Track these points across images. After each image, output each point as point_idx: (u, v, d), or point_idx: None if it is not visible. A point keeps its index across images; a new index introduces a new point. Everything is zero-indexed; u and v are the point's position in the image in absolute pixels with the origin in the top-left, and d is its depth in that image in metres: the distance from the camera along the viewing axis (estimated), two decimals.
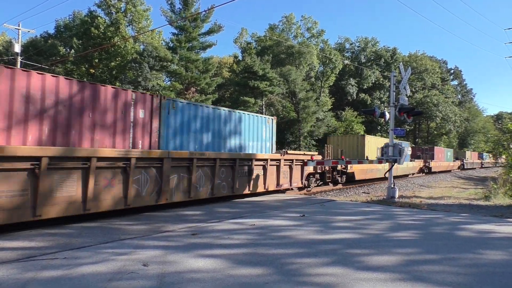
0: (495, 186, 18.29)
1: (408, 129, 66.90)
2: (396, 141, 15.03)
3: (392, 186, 14.55)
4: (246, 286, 4.56)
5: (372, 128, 62.59)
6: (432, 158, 43.25)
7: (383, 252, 6.23)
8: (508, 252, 6.42)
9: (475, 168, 62.70)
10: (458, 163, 55.08)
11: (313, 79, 59.06)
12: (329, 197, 17.19)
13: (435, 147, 47.90)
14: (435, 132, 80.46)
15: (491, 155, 57.97)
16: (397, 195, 14.64)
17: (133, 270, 5.03)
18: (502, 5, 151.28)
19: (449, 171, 50.38)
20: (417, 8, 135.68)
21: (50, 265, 5.21)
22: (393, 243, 7.00)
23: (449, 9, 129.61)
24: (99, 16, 35.49)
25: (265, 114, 43.27)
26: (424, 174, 41.24)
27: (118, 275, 4.83)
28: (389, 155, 14.53)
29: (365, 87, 65.40)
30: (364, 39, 70.24)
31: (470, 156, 64.28)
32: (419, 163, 38.76)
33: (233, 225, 8.46)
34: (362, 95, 64.75)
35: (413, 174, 37.54)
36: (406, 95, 14.96)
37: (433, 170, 42.43)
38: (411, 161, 35.92)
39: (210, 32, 38.80)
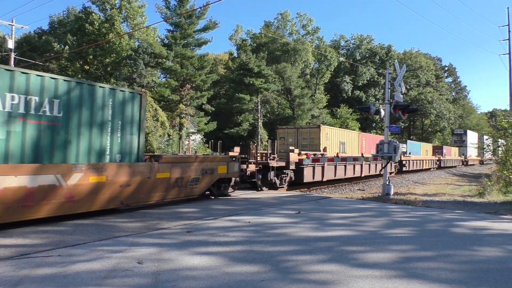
0: (489, 183, 18.39)
1: (402, 126, 67.00)
2: (388, 138, 15.11)
3: (387, 183, 14.59)
4: (242, 283, 4.54)
5: (367, 125, 62.76)
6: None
7: (378, 249, 6.24)
8: (503, 248, 6.45)
9: (376, 175, 28.87)
10: None
11: (308, 76, 59.04)
12: (325, 194, 17.21)
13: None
14: (430, 129, 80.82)
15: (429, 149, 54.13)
16: (392, 192, 14.68)
17: (128, 268, 5.00)
18: (497, 3, 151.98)
19: None
20: (412, 6, 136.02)
21: (45, 262, 5.17)
22: (389, 240, 7.01)
23: (443, 6, 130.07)
24: (94, 12, 35.25)
25: (260, 111, 43.29)
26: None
27: (113, 273, 4.80)
28: (384, 152, 14.56)
29: (360, 84, 65.51)
30: (359, 37, 70.29)
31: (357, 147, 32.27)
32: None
33: (229, 222, 8.45)
34: (357, 92, 64.84)
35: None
36: (401, 92, 14.97)
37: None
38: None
39: (205, 29, 38.61)
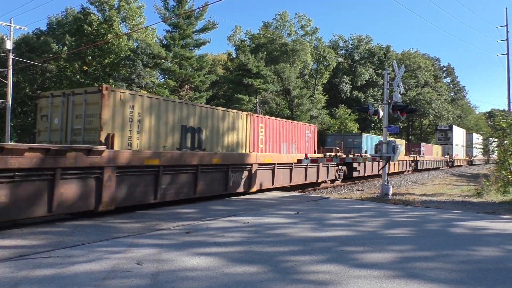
0: (487, 183, 18.43)
1: (401, 127, 66.99)
2: (386, 138, 15.03)
3: (386, 183, 14.60)
4: (241, 284, 4.54)
5: (366, 125, 62.79)
6: None
7: (377, 249, 6.25)
8: (501, 248, 6.47)
9: None
10: None
11: (307, 77, 59.03)
12: (323, 194, 17.22)
13: None
14: (428, 129, 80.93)
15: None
16: (390, 193, 14.69)
17: (127, 269, 5.00)
18: (495, 3, 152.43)
19: None
20: (410, 6, 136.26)
21: (43, 263, 5.16)
22: (388, 240, 7.02)
23: (442, 7, 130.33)
24: (92, 13, 35.27)
25: (259, 112, 43.26)
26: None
27: (112, 274, 4.80)
28: (383, 152, 14.58)
29: (359, 84, 65.50)
30: (357, 37, 70.28)
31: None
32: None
33: (228, 223, 8.45)
34: (355, 93, 64.83)
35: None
36: (400, 92, 15.00)
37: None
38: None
39: (204, 29, 38.68)
